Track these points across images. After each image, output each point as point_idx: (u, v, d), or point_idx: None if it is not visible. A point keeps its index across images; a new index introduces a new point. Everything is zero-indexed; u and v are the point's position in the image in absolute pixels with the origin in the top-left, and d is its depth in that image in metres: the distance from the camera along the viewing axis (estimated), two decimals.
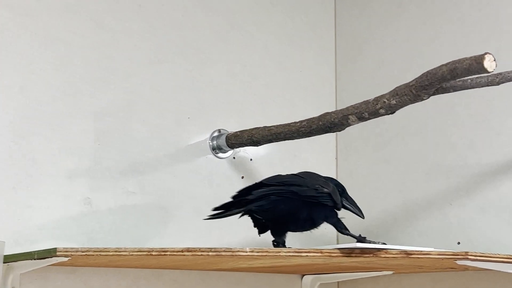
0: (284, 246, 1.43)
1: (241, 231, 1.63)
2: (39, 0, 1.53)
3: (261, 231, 1.43)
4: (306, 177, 1.44)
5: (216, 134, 1.68)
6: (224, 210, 1.38)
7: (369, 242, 1.37)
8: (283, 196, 1.37)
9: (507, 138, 1.55)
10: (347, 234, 1.40)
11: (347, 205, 1.45)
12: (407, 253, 1.30)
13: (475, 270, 1.53)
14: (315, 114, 1.50)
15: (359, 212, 1.46)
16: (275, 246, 1.45)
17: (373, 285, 1.72)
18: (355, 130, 1.71)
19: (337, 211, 1.42)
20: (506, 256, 1.34)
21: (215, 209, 1.38)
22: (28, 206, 1.48)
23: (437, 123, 1.66)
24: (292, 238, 1.58)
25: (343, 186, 1.46)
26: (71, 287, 1.49)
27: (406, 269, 1.56)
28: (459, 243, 1.59)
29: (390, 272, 1.61)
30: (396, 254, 1.30)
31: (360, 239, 1.38)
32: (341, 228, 1.40)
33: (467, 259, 1.29)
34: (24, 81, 1.50)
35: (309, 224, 1.41)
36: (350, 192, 1.55)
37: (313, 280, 1.72)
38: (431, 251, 1.31)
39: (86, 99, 1.56)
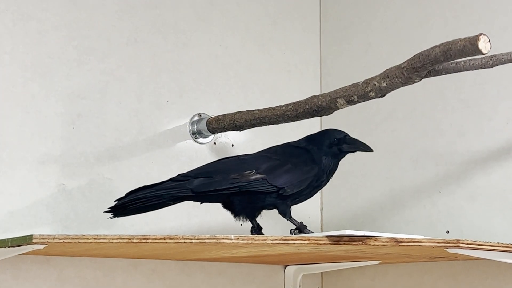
0: (258, 228, 1.47)
1: (222, 218, 1.64)
2: None
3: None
4: (244, 161, 1.45)
5: (196, 118, 1.69)
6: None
7: (309, 231, 1.41)
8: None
9: (499, 123, 1.58)
10: (289, 220, 1.43)
11: (348, 149, 1.48)
12: (397, 241, 1.32)
13: (465, 260, 1.56)
14: (299, 97, 1.51)
15: (364, 148, 1.48)
16: (252, 232, 1.48)
17: (359, 276, 1.74)
18: (341, 115, 1.73)
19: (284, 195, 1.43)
20: (498, 244, 1.36)
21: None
22: None
23: (426, 108, 1.68)
24: (274, 227, 1.60)
25: (340, 133, 1.47)
26: (45, 277, 1.50)
27: (393, 258, 1.58)
28: (448, 231, 1.62)
29: (377, 262, 1.63)
30: (385, 241, 1.32)
31: (300, 227, 1.42)
32: (284, 213, 1.44)
33: (459, 247, 1.31)
34: None
35: (249, 211, 1.45)
36: (334, 181, 1.57)
37: (296, 271, 1.74)
38: (422, 239, 1.33)
39: (61, 80, 1.56)
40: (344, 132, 1.49)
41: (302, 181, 1.44)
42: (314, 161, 1.46)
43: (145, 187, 1.43)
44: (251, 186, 1.41)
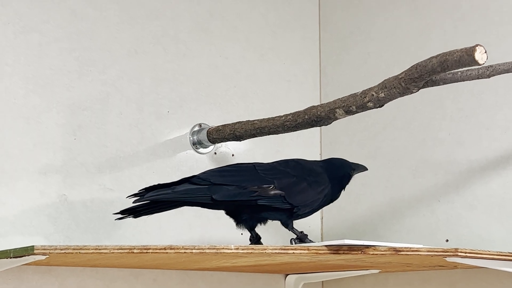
0: (257, 238, 1.48)
1: (223, 228, 1.65)
2: None
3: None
4: (262, 172, 1.45)
5: (196, 128, 1.70)
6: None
7: (310, 240, 1.43)
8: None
9: (497, 133, 1.59)
10: (291, 230, 1.45)
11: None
12: (396, 250, 1.33)
13: (464, 268, 1.57)
14: (299, 108, 1.52)
15: (360, 168, 1.52)
16: (251, 241, 1.49)
17: (359, 285, 1.75)
18: (340, 125, 1.74)
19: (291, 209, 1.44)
20: (496, 253, 1.37)
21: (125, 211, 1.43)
22: (1, 202, 1.49)
23: (425, 117, 1.70)
24: (275, 236, 1.61)
25: (350, 174, 1.52)
26: (47, 287, 1.51)
27: (393, 267, 1.59)
28: (447, 240, 1.63)
29: (377, 271, 1.64)
30: (384, 251, 1.33)
31: (301, 237, 1.43)
32: (286, 224, 1.45)
33: (457, 255, 1.32)
34: None
35: (254, 221, 1.46)
36: None
37: (296, 280, 1.75)
38: (420, 248, 1.34)
39: (62, 91, 1.57)
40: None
41: (314, 201, 1.46)
42: (327, 180, 1.48)
43: (161, 186, 1.42)
44: (269, 201, 1.42)
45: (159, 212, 1.46)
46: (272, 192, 1.42)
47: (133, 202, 1.42)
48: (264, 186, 1.42)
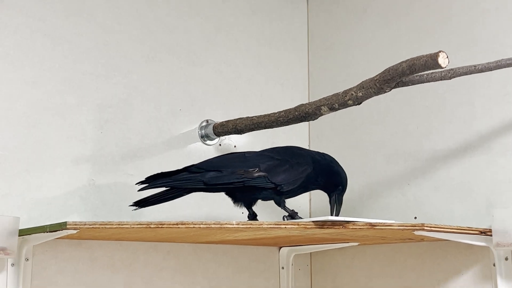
0: (254, 216, 1.46)
1: (227, 208, 1.64)
2: (49, 6, 1.53)
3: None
4: (249, 158, 1.43)
5: (204, 124, 1.69)
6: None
7: (300, 217, 1.40)
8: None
9: (458, 126, 1.57)
10: (283, 208, 1.42)
11: (331, 201, 1.46)
12: (372, 225, 1.32)
13: (429, 241, 1.56)
14: (291, 106, 1.51)
15: (335, 214, 1.46)
16: (248, 219, 1.47)
17: (341, 255, 1.74)
18: (326, 121, 1.73)
19: (280, 190, 1.41)
20: (456, 228, 1.36)
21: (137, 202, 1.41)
22: (39, 186, 1.48)
23: (397, 113, 1.68)
24: (270, 215, 1.59)
25: (343, 185, 1.46)
26: (78, 257, 1.50)
27: (370, 240, 1.57)
28: (415, 217, 1.61)
29: (356, 244, 1.63)
30: (362, 225, 1.32)
31: (292, 214, 1.40)
32: (278, 203, 1.42)
33: (423, 229, 1.31)
34: (36, 77, 1.50)
35: (247, 200, 1.44)
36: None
37: (289, 252, 1.74)
38: (393, 223, 1.32)
39: (91, 92, 1.56)
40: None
41: (297, 180, 1.43)
42: (310, 162, 1.45)
43: (163, 174, 1.41)
44: (254, 182, 1.40)
45: (165, 202, 1.44)
46: (256, 174, 1.40)
47: (138, 190, 1.40)
48: (250, 169, 1.40)
